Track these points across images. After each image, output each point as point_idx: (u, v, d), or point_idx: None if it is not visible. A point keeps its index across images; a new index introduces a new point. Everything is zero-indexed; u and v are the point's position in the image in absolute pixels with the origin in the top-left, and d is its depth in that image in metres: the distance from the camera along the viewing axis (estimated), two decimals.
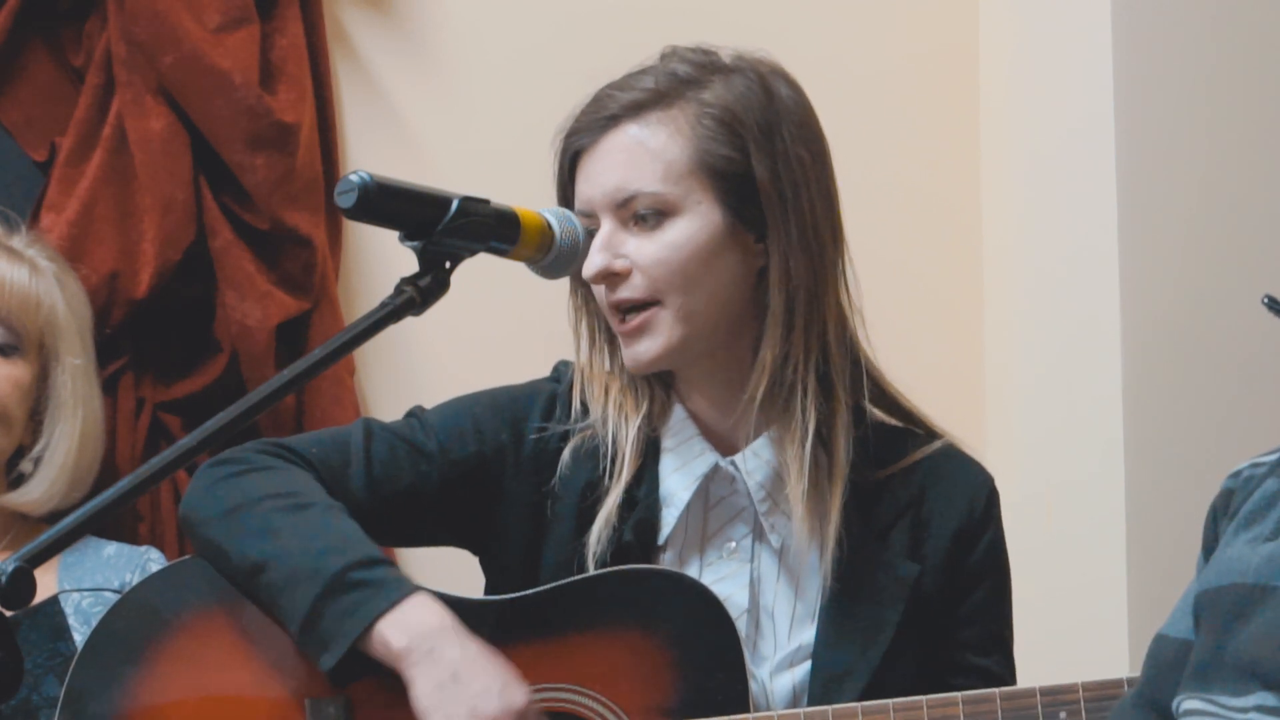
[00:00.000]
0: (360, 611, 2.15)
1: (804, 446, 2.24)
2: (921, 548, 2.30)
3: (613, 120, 2.26)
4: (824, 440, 2.26)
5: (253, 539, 2.22)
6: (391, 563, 2.22)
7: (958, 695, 2.14)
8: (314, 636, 2.16)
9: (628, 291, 2.25)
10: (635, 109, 2.26)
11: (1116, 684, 2.09)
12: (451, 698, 2.12)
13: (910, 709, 2.14)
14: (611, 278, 2.25)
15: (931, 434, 2.36)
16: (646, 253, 2.24)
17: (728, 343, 2.29)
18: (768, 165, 2.24)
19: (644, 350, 2.26)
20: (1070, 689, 2.11)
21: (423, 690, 2.13)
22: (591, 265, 2.23)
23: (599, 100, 2.29)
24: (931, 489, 2.32)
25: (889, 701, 2.15)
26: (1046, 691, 2.12)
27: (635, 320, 2.25)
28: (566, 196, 2.31)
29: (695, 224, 2.24)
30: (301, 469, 2.29)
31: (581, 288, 2.33)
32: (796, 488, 2.24)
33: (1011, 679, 2.34)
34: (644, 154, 2.25)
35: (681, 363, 2.30)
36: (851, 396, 2.29)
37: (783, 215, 2.24)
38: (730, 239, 2.25)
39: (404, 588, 2.17)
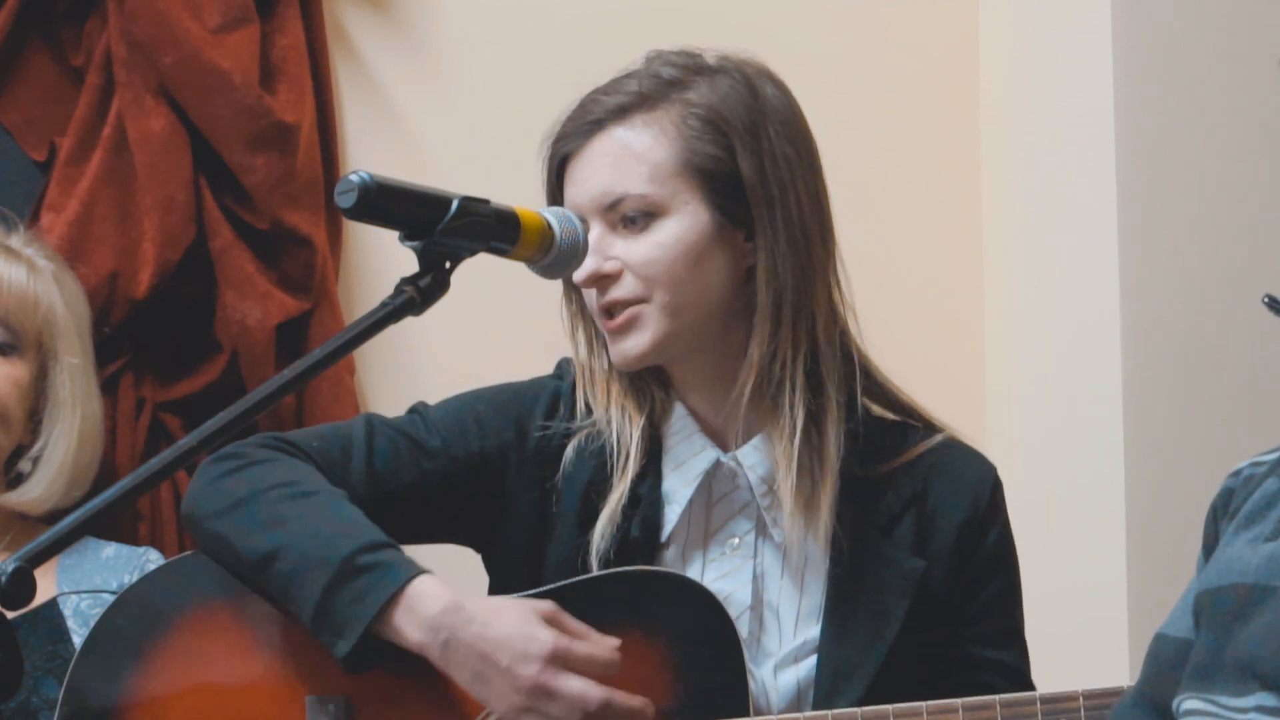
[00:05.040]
0: (370, 597, 2.15)
1: (792, 442, 2.25)
2: (928, 542, 2.30)
3: (598, 124, 2.27)
4: (814, 436, 2.26)
5: (260, 530, 2.22)
6: (397, 546, 2.22)
7: (957, 702, 2.14)
8: (326, 625, 2.16)
9: (618, 292, 2.26)
10: (620, 112, 2.27)
11: (1116, 692, 2.09)
12: (493, 685, 2.12)
13: (910, 715, 2.14)
14: (602, 280, 2.26)
15: (931, 427, 2.36)
16: (636, 254, 2.25)
17: (717, 340, 2.29)
18: (754, 163, 2.25)
19: (630, 346, 2.26)
20: (1070, 696, 2.11)
21: (465, 683, 2.14)
22: (582, 270, 2.23)
23: (584, 105, 2.30)
24: (935, 482, 2.32)
25: (889, 708, 2.15)
26: (1046, 699, 2.12)
27: (621, 316, 2.25)
28: (555, 203, 2.32)
29: (683, 224, 2.25)
30: (302, 461, 2.29)
31: (575, 294, 2.34)
32: (785, 482, 2.25)
33: (1028, 671, 2.35)
34: (630, 156, 2.25)
35: (669, 359, 2.30)
36: (843, 393, 2.29)
37: (770, 213, 2.25)
38: (718, 238, 2.26)
39: (409, 569, 2.17)
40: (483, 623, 2.14)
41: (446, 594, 2.17)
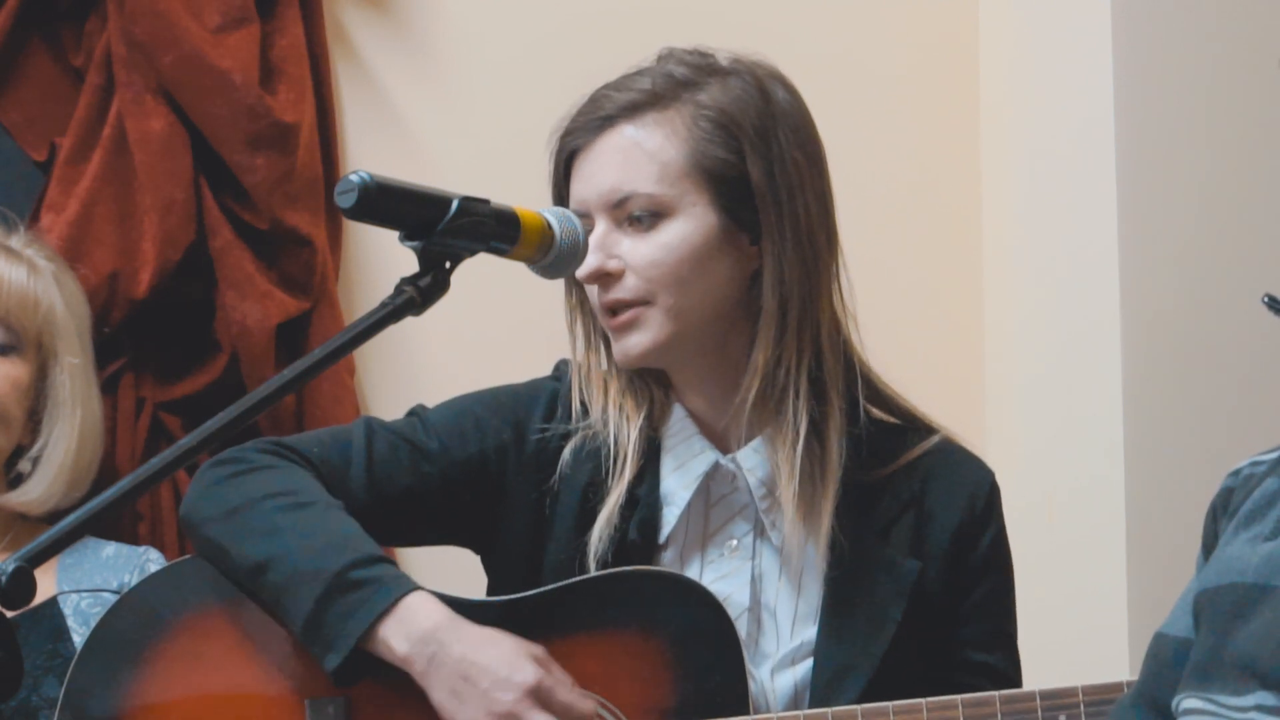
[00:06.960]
0: (361, 612, 2.15)
1: (795, 448, 2.25)
2: (923, 545, 2.30)
3: (609, 121, 2.27)
4: (817, 442, 2.26)
5: (254, 539, 2.22)
6: (391, 560, 2.23)
7: (957, 698, 2.14)
8: (317, 637, 2.17)
9: (621, 292, 2.25)
10: (631, 110, 2.26)
11: (1116, 687, 2.09)
12: (468, 705, 2.12)
13: (910, 711, 2.14)
14: (605, 278, 2.26)
15: (929, 429, 2.36)
16: (640, 254, 2.24)
17: (721, 344, 2.29)
18: (763, 168, 2.24)
19: (633, 344, 2.26)
20: (1070, 692, 2.11)
21: (440, 700, 2.14)
22: (585, 266, 2.22)
23: (595, 100, 2.29)
24: (932, 485, 2.32)
25: (889, 704, 2.15)
26: (1046, 695, 2.12)
27: (625, 315, 2.25)
28: (561, 196, 2.31)
29: (690, 225, 2.25)
30: (302, 468, 2.29)
31: (576, 288, 2.33)
32: (788, 489, 2.25)
33: (1017, 675, 2.35)
34: (640, 155, 2.25)
35: (672, 361, 2.30)
36: (845, 399, 2.29)
37: (777, 218, 2.24)
38: (724, 241, 2.26)
39: (403, 585, 2.17)
40: (473, 646, 2.15)
41: (441, 611, 2.17)
